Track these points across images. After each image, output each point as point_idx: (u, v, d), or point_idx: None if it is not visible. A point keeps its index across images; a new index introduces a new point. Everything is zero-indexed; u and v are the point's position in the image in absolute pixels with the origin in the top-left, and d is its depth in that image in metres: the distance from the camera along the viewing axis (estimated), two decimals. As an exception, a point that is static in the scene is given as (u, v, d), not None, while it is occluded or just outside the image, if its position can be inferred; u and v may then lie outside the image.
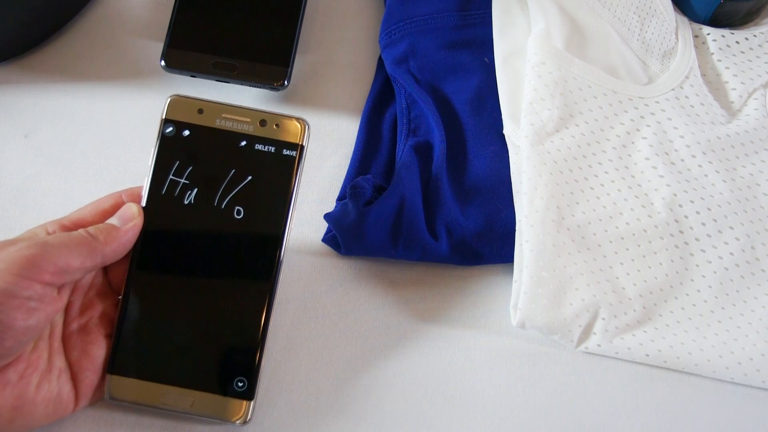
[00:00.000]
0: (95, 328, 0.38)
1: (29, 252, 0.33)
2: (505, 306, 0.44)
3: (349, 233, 0.43)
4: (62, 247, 0.34)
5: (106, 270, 0.39)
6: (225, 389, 0.38)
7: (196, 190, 0.39)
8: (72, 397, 0.36)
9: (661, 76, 0.49)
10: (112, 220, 0.38)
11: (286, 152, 0.39)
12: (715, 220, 0.44)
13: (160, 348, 0.38)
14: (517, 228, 0.44)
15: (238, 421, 0.38)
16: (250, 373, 0.38)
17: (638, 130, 0.46)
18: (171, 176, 0.39)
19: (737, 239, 0.43)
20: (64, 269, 0.34)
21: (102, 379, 0.38)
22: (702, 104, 0.48)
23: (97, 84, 0.50)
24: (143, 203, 0.39)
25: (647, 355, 0.42)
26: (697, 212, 0.44)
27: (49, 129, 0.48)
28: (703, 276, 0.43)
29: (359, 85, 0.51)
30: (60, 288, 0.35)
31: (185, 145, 0.39)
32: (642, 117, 0.47)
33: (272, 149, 0.39)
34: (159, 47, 0.49)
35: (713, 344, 0.42)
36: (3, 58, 0.50)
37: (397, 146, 0.47)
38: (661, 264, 0.43)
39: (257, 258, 0.39)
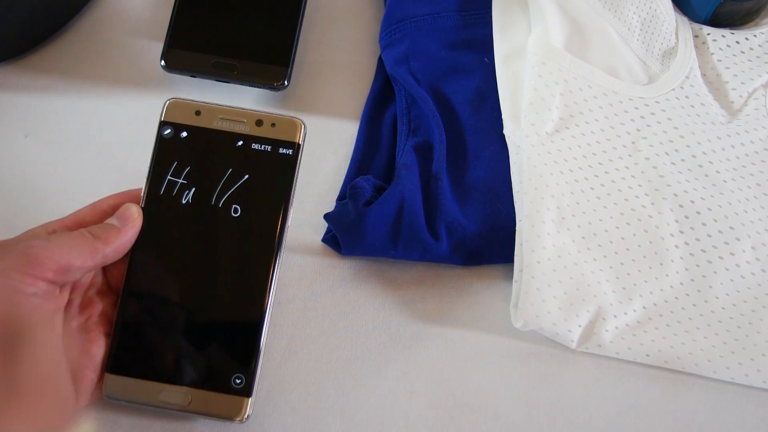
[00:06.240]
0: (95, 326, 0.38)
1: (33, 250, 0.33)
2: (505, 306, 0.44)
3: (349, 233, 0.43)
4: (64, 246, 0.34)
5: (105, 269, 0.39)
6: (223, 386, 0.38)
7: (193, 189, 0.39)
8: (72, 395, 0.36)
9: (662, 76, 0.49)
10: (112, 221, 0.38)
11: (282, 151, 0.39)
12: (715, 220, 0.44)
13: (158, 346, 0.38)
14: (517, 228, 0.44)
15: (237, 419, 0.38)
16: (248, 369, 0.38)
17: (639, 130, 0.46)
18: (169, 176, 0.39)
19: (737, 239, 0.43)
20: (66, 268, 0.34)
21: (101, 377, 0.38)
22: (702, 104, 0.48)
23: (97, 84, 0.50)
24: (142, 204, 0.39)
25: (648, 355, 0.42)
26: (698, 212, 0.44)
27: (49, 129, 0.48)
28: (704, 276, 0.43)
29: (359, 85, 0.51)
30: (61, 286, 0.35)
31: (183, 146, 0.39)
32: (642, 117, 0.47)
33: (268, 148, 0.39)
34: (159, 47, 0.49)
35: (714, 344, 0.41)
36: (3, 58, 0.50)
37: (397, 146, 0.47)
38: (661, 264, 0.43)
39: (255, 255, 0.39)
